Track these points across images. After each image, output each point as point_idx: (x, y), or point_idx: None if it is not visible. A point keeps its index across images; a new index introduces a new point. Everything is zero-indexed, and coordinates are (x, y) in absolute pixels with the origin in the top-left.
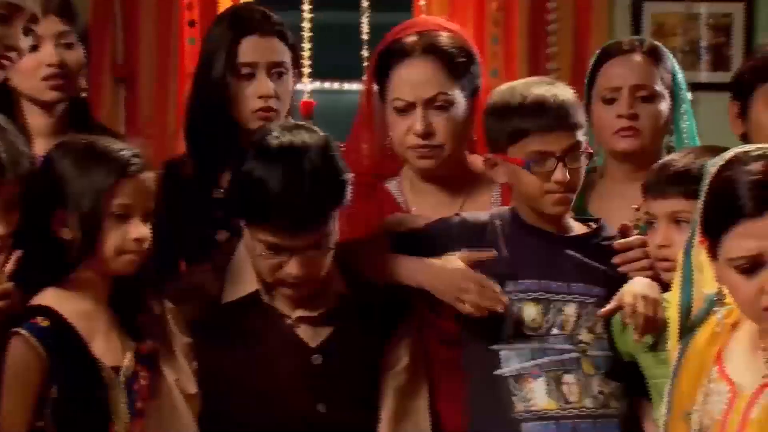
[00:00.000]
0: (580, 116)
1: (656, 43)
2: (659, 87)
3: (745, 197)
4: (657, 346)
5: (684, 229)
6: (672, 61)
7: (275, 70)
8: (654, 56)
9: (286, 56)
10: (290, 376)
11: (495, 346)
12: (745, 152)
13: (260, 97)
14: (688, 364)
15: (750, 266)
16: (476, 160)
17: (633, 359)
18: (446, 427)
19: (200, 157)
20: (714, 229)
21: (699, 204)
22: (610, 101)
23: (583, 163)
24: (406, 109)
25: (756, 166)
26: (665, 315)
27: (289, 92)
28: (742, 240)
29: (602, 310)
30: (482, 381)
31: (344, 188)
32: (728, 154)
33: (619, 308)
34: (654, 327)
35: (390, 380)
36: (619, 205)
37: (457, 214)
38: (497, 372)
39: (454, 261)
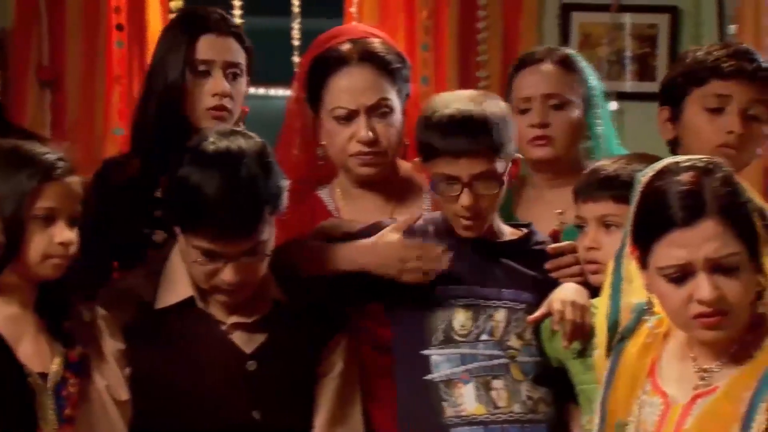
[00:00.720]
0: (505, 136)
1: (568, 51)
2: (570, 95)
3: (675, 207)
4: (585, 352)
5: (613, 232)
6: (586, 69)
7: (231, 71)
8: (565, 65)
9: (242, 58)
10: (225, 383)
11: (425, 352)
12: (675, 163)
13: (215, 95)
14: (621, 375)
15: (679, 275)
16: (406, 166)
17: (561, 365)
18: None
19: (146, 156)
20: (644, 239)
21: (630, 214)
22: (523, 111)
23: (501, 188)
24: (349, 117)
25: (686, 177)
26: (593, 321)
27: (242, 95)
28: (672, 249)
29: (531, 316)
30: (413, 386)
31: (281, 194)
32: (658, 165)
33: (548, 314)
34: (582, 333)
35: (324, 386)
36: (541, 211)
37: (390, 218)
38: (427, 377)
39: (388, 235)
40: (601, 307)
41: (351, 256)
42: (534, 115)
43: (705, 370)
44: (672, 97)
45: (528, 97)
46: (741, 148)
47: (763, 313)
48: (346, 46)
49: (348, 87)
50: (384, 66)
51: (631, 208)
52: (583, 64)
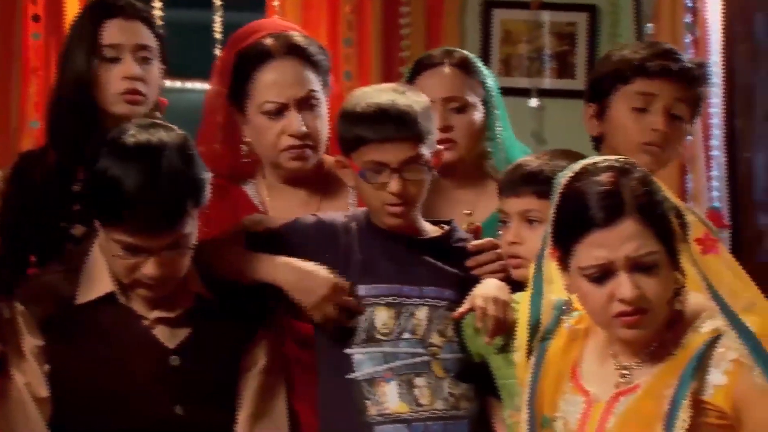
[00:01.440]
0: (427, 127)
1: (466, 53)
2: (470, 97)
3: (595, 208)
4: (507, 347)
5: (535, 227)
6: (483, 70)
7: (141, 54)
8: (463, 67)
9: (152, 42)
10: (147, 378)
11: (348, 350)
12: (593, 164)
13: (125, 79)
14: (546, 373)
15: (600, 275)
16: (331, 160)
17: (483, 360)
18: (304, 429)
19: (62, 149)
20: (565, 240)
21: (549, 216)
22: None
23: (427, 174)
24: (278, 111)
25: (604, 177)
26: (514, 317)
27: (156, 80)
28: (593, 249)
29: (454, 313)
30: (335, 384)
31: (204, 188)
32: (577, 166)
33: (470, 311)
34: (504, 329)
35: (248, 381)
36: (449, 212)
37: (313, 215)
38: (350, 375)
39: (323, 271)
40: (522, 308)
41: (271, 270)
42: (437, 119)
43: (626, 368)
44: (598, 94)
45: (430, 100)
46: (665, 146)
47: (680, 311)
48: (269, 41)
49: (276, 81)
50: (309, 58)
51: (551, 210)
52: (481, 66)
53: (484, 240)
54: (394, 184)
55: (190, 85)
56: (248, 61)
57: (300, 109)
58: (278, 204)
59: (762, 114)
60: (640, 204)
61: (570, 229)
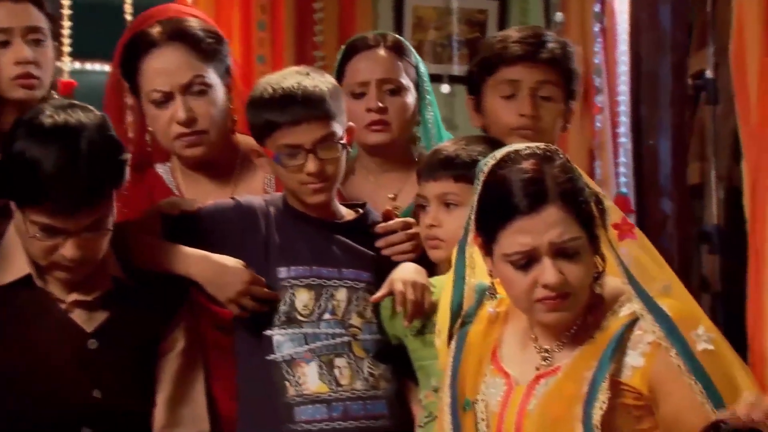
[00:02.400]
0: (337, 105)
1: (399, 37)
2: (405, 80)
3: (519, 195)
4: (424, 329)
5: (453, 210)
6: (414, 55)
7: (32, 36)
8: (397, 50)
9: (43, 23)
10: (65, 362)
11: (268, 332)
12: (516, 151)
13: (18, 63)
14: (467, 357)
15: (525, 261)
16: (244, 140)
17: (401, 342)
18: (222, 412)
19: None
20: (489, 227)
21: (473, 203)
22: (359, 95)
23: (342, 151)
24: (165, 99)
25: (527, 165)
26: (432, 300)
27: (50, 61)
28: (518, 236)
29: (373, 296)
30: (255, 365)
31: (123, 168)
32: (500, 154)
33: (389, 294)
34: (422, 312)
35: (167, 364)
36: (373, 195)
37: (232, 198)
38: (270, 357)
39: (238, 264)
40: (444, 293)
41: (186, 264)
42: (371, 100)
43: (546, 351)
44: (473, 87)
45: (363, 81)
46: (537, 129)
47: (600, 295)
48: (155, 29)
49: (159, 69)
50: (195, 43)
51: (474, 197)
52: (413, 50)
53: (393, 221)
54: (310, 165)
55: (99, 67)
56: (134, 51)
57: (186, 96)
58: (192, 187)
59: (666, 101)
60: (563, 191)
61: (494, 216)
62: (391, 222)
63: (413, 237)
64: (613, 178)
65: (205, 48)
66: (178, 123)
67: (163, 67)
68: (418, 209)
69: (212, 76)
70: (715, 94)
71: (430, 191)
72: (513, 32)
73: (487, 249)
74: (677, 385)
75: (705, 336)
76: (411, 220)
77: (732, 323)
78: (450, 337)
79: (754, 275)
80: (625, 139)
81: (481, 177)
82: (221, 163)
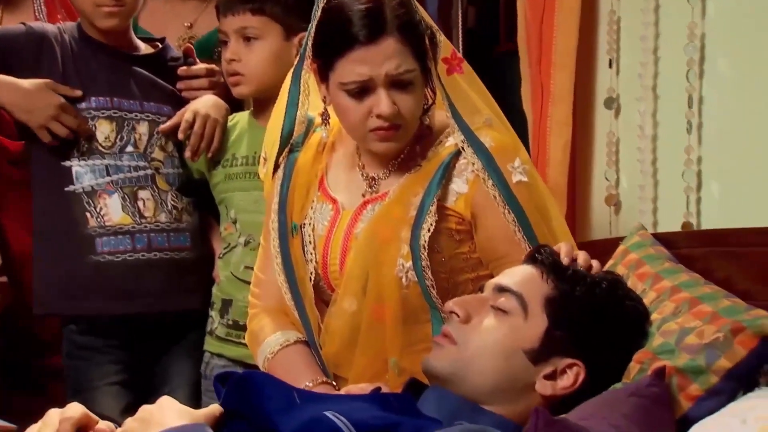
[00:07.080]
0: None
1: None
2: None
3: (358, 25)
4: (226, 163)
5: (253, 44)
6: None
7: None
8: None
9: None
10: None
11: (67, 163)
12: None
13: None
14: (295, 183)
15: (360, 90)
16: None
17: (203, 176)
18: (16, 247)
19: None
20: (326, 55)
21: (310, 29)
22: None
23: None
24: None
25: None
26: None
27: None
28: (356, 65)
29: (162, 126)
30: (53, 198)
31: None
32: None
33: (178, 124)
34: (208, 145)
35: None
36: (169, 23)
37: (22, 23)
38: (69, 188)
39: (43, 84)
40: (271, 122)
41: None
42: None
43: (373, 179)
44: None
45: None
46: None
47: (429, 126)
48: None
49: None
50: None
51: (312, 24)
52: None
53: (197, 66)
54: None
55: None
56: None
57: None
58: None
59: None
60: (401, 23)
61: (332, 44)
62: (194, 67)
63: (216, 85)
64: None
65: None
66: None
67: None
68: (220, 44)
69: None
70: None
71: (229, 26)
72: None
73: (323, 76)
74: (493, 213)
75: (521, 168)
76: (214, 66)
77: None
78: (276, 167)
79: None
80: None
81: (320, 3)
82: None
